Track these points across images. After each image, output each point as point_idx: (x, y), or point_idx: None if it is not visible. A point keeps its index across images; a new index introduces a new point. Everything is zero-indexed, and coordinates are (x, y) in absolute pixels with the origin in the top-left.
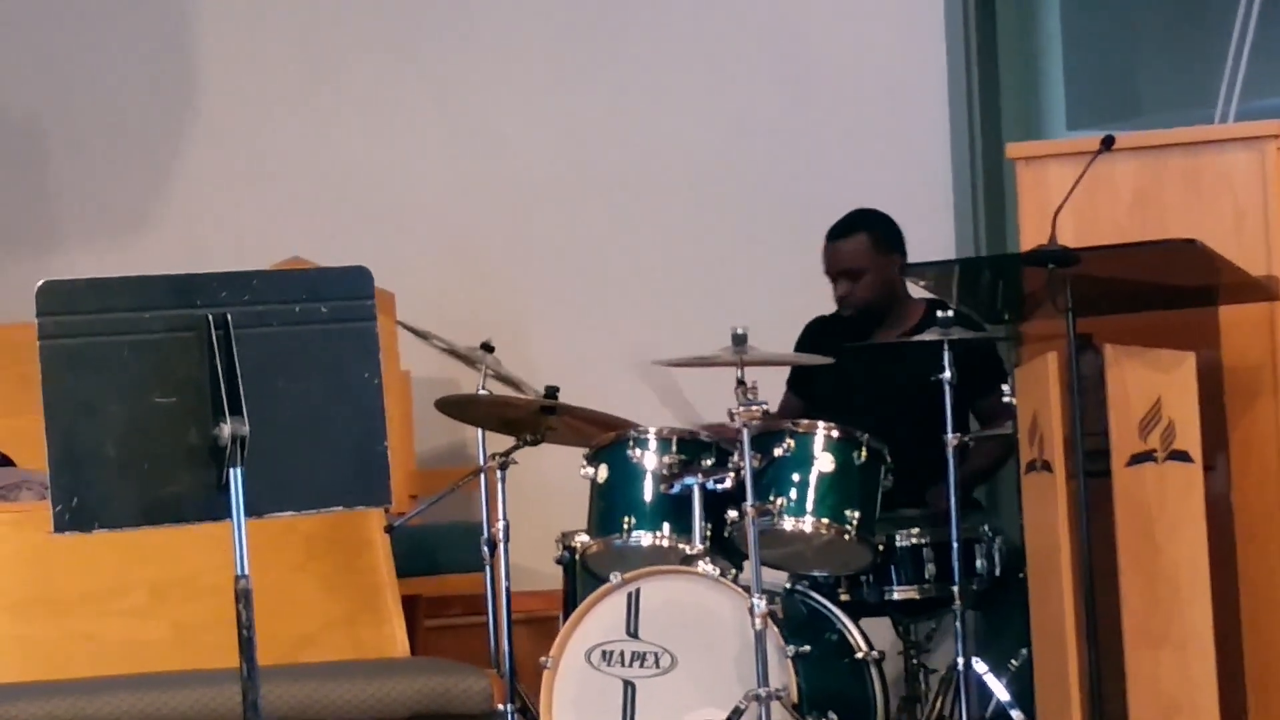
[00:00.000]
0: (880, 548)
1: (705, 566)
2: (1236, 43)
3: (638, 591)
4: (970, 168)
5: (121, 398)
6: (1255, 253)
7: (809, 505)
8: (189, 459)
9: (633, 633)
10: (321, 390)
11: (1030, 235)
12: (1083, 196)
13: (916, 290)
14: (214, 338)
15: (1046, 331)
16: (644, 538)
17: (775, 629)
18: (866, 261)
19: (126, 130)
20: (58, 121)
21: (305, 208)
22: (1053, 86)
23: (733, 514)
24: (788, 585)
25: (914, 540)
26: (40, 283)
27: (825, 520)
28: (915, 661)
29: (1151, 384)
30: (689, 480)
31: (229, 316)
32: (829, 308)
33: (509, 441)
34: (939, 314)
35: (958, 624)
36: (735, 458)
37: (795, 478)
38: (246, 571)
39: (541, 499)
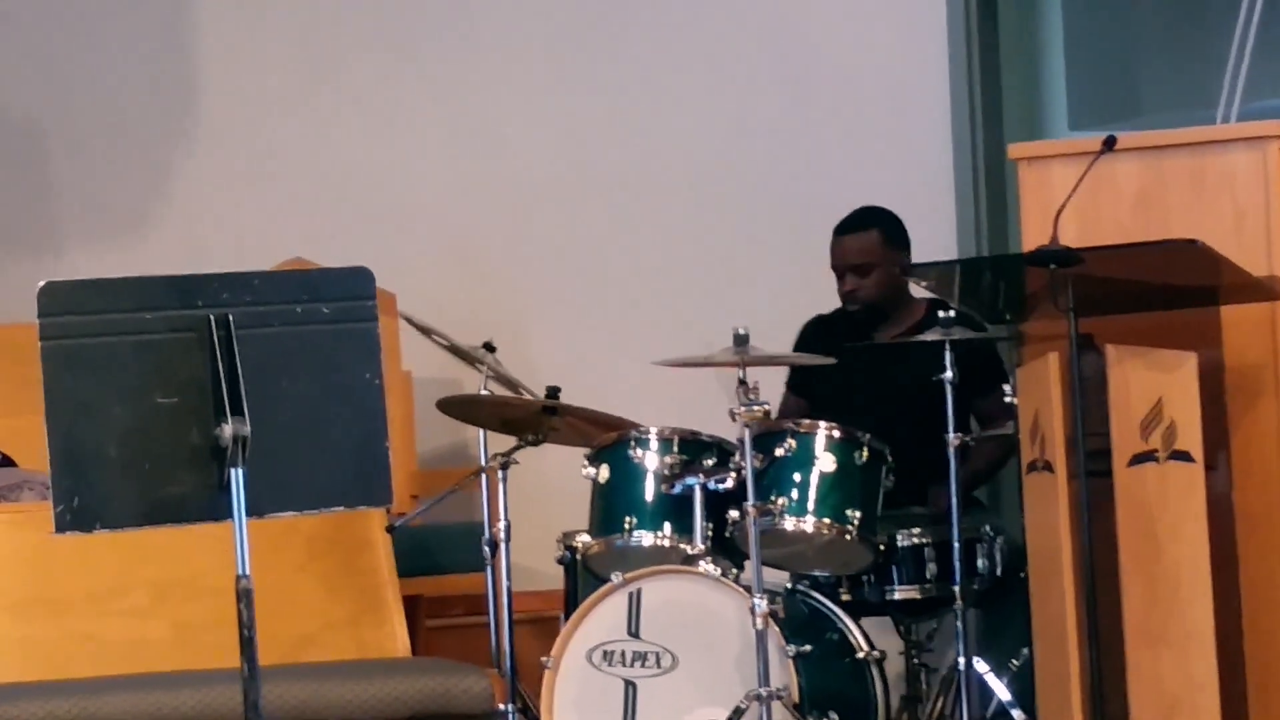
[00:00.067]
0: (881, 547)
1: (706, 566)
2: (1238, 43)
3: (639, 591)
4: (972, 168)
5: (122, 398)
6: (1257, 253)
7: (810, 505)
8: (190, 459)
9: (634, 633)
10: (323, 391)
11: (1032, 235)
12: (1085, 197)
13: (917, 290)
14: (215, 338)
15: (1048, 331)
16: (645, 538)
17: (776, 629)
18: (876, 257)
19: (126, 130)
20: (58, 121)
21: (305, 208)
22: (1055, 87)
23: (734, 514)
24: (789, 585)
25: (915, 540)
26: (41, 283)
27: (826, 520)
28: (916, 661)
29: (1153, 384)
30: (690, 480)
31: (230, 317)
32: (830, 307)
33: (510, 442)
34: (940, 314)
35: (959, 624)
36: (736, 457)
37: (796, 478)
38: (248, 571)
39: (543, 499)
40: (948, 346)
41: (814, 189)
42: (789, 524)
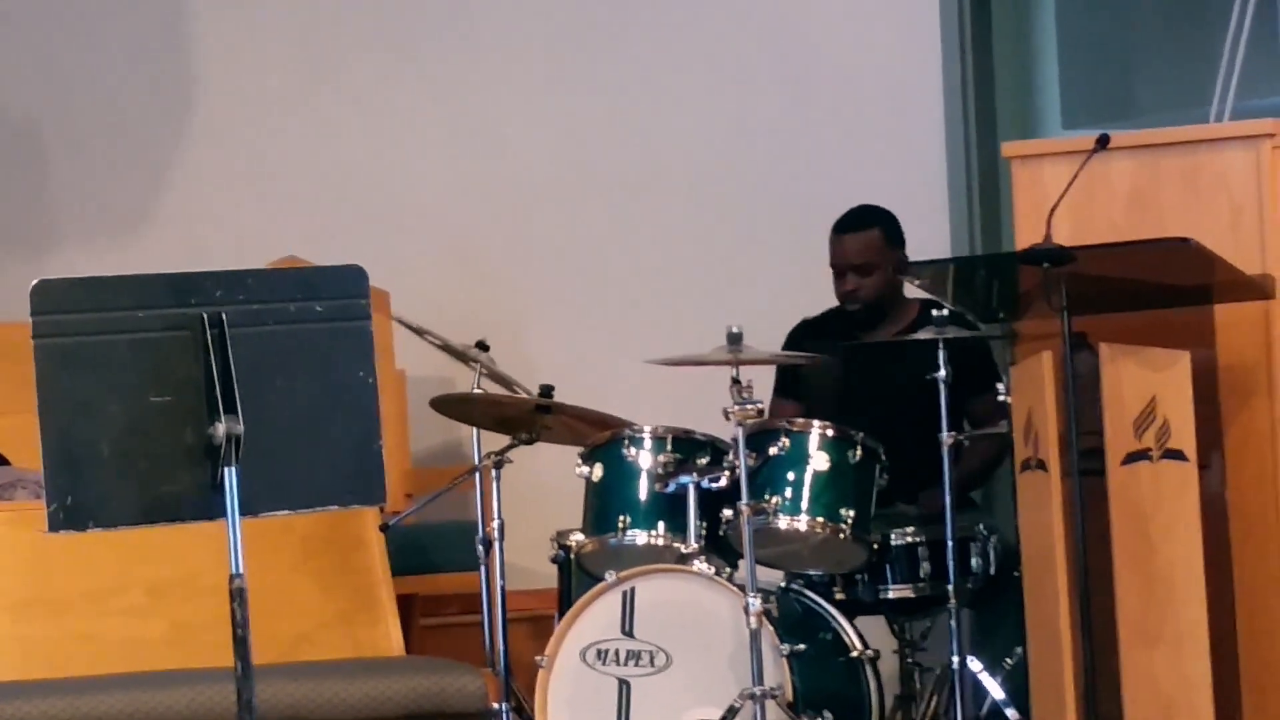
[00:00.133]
0: (875, 546)
1: (700, 565)
2: (1232, 42)
3: (633, 590)
4: (966, 167)
5: (116, 397)
6: (1250, 251)
7: (804, 504)
8: (184, 458)
9: (628, 631)
10: (316, 389)
11: (1025, 234)
12: (1078, 195)
13: (910, 290)
14: (209, 337)
15: (1041, 330)
16: (639, 536)
17: (770, 628)
18: (877, 257)
19: (126, 130)
20: (58, 121)
21: (304, 208)
22: (1048, 85)
23: (728, 513)
24: (783, 584)
25: (909, 539)
26: (34, 282)
27: (820, 519)
28: (910, 660)
29: (1146, 383)
30: (684, 479)
31: (224, 315)
32: (827, 307)
33: (504, 440)
34: (934, 313)
35: (953, 623)
36: (730, 456)
37: (790, 476)
38: (241, 570)
39: (536, 498)
40: (941, 345)
41: (812, 188)
42: (783, 523)
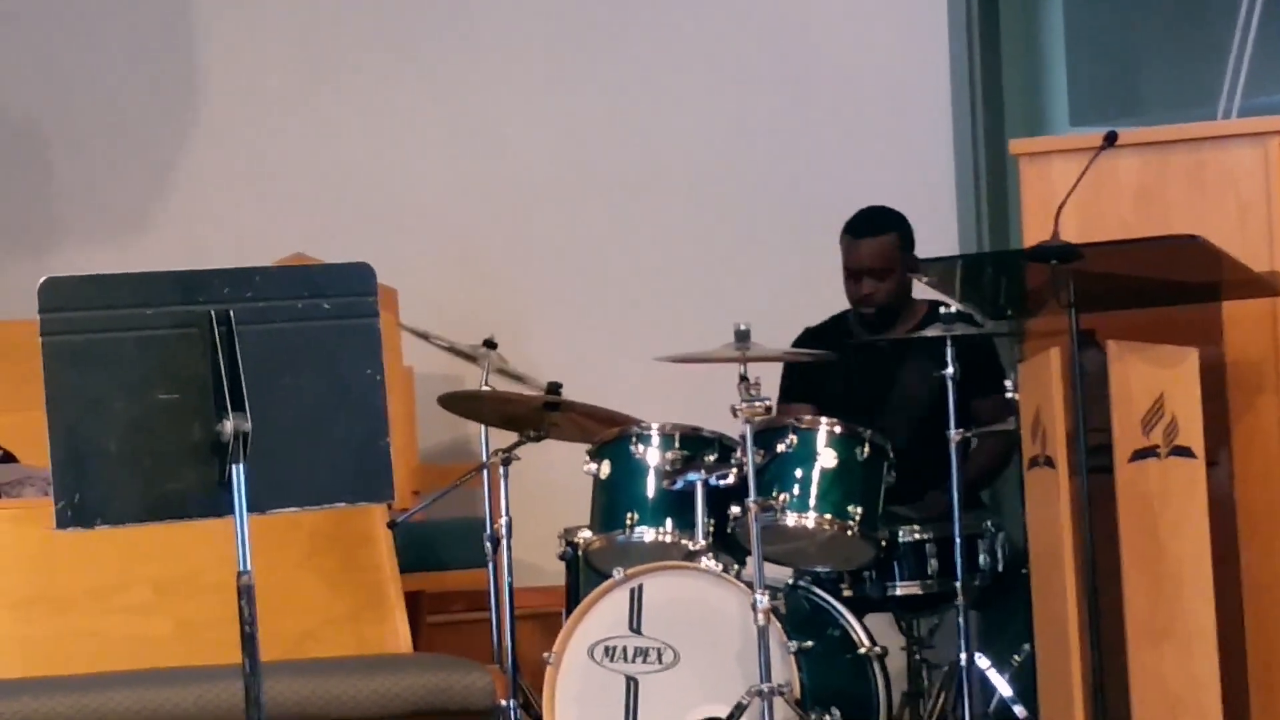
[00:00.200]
0: (883, 543)
1: (708, 562)
2: (1239, 39)
3: (640, 587)
4: (973, 164)
5: (124, 394)
6: (1258, 248)
7: (812, 501)
8: (191, 455)
9: (635, 629)
10: (324, 386)
11: (1033, 231)
12: (1086, 192)
13: (917, 291)
14: (216, 334)
15: (1049, 327)
16: (647, 533)
17: (778, 625)
18: (894, 261)
19: (126, 130)
20: (58, 121)
21: (305, 208)
22: (1056, 83)
23: (735, 510)
24: (790, 581)
25: (917, 536)
26: (42, 279)
27: (828, 516)
28: (918, 657)
29: (1154, 380)
30: (692, 476)
31: (231, 313)
32: (829, 307)
33: (512, 437)
34: (941, 310)
35: (960, 620)
36: (738, 453)
37: (798, 473)
38: (249, 567)
39: (544, 495)
40: (949, 342)
41: (814, 188)
42: (790, 520)
